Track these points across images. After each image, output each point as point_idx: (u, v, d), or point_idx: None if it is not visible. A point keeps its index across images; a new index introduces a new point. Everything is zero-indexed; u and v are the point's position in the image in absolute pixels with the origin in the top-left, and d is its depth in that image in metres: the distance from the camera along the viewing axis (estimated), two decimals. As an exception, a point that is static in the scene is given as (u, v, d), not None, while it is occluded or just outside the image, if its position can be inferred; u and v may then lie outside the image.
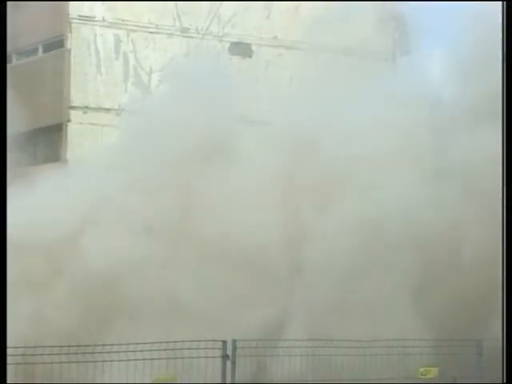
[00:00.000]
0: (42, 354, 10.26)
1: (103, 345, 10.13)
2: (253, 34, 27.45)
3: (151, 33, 27.78)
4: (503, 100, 11.11)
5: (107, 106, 26.56)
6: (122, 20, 27.54)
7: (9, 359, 9.52)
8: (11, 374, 11.50)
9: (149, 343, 10.14)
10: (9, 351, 9.87)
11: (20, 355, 10.82)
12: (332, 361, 11.76)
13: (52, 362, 10.41)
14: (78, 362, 10.69)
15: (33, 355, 10.47)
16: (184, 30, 26.91)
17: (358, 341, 11.74)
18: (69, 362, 10.68)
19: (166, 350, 9.94)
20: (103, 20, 27.74)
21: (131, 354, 9.96)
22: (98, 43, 27.83)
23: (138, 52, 27.93)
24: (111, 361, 10.08)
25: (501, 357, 11.95)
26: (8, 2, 29.06)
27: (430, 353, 12.35)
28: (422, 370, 11.81)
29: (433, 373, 11.85)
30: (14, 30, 29.37)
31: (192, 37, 27.02)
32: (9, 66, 29.83)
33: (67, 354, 10.36)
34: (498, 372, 12.47)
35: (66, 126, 26.47)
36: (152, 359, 10.08)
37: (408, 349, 11.93)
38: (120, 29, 27.70)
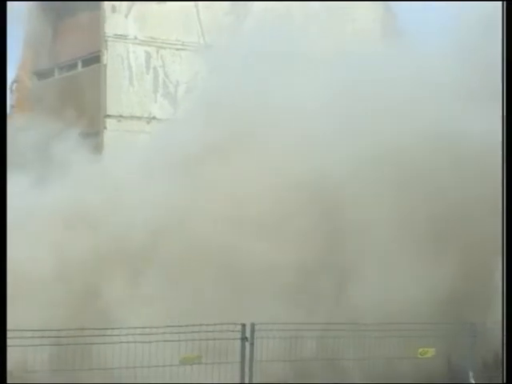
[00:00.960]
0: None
1: (129, 328, 10.00)
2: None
3: (178, 49, 27.78)
4: (503, 100, 9.96)
5: (139, 115, 26.56)
6: (152, 38, 27.61)
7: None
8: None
9: (173, 326, 10.04)
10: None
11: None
12: (340, 342, 11.64)
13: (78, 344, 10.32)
14: (104, 343, 10.55)
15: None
16: (208, 47, 26.81)
17: (362, 324, 11.61)
18: (100, 344, 10.56)
19: (192, 332, 9.89)
20: (135, 38, 27.81)
21: (160, 335, 9.89)
22: (131, 59, 27.88)
23: (166, 66, 27.95)
24: (141, 342, 9.97)
25: (492, 339, 11.74)
26: (49, 21, 29.36)
27: (426, 335, 12.17)
28: (420, 350, 11.67)
29: (431, 353, 11.71)
30: (56, 46, 29.63)
31: (215, 53, 26.92)
32: (51, 79, 30.16)
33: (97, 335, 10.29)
34: (489, 353, 12.28)
35: (103, 132, 26.52)
36: (175, 341, 9.99)
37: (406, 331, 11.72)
38: (150, 46, 27.75)
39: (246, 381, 9.39)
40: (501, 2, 12.26)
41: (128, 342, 10.32)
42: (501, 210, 10.68)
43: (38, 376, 11.51)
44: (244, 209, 14.26)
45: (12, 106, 30.46)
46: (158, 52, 27.70)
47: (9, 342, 9.40)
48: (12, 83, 30.59)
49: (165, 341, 10.00)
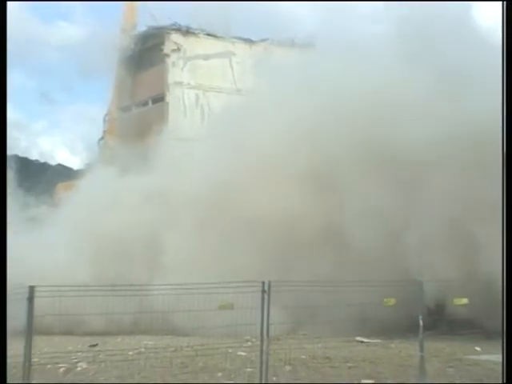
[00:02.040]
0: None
1: (185, 283, 9.70)
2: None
3: (218, 92, 27.75)
4: (503, 100, 7.24)
5: (190, 137, 26.54)
6: (200, 84, 27.70)
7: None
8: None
9: (213, 282, 9.82)
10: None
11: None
12: (332, 294, 11.32)
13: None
14: (161, 294, 10.22)
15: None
16: (238, 90, 26.74)
17: (348, 281, 11.20)
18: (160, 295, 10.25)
19: (227, 287, 9.75)
20: (188, 84, 27.92)
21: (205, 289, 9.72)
22: (185, 99, 27.98)
23: (210, 104, 27.92)
24: (190, 294, 9.79)
25: (434, 293, 11.32)
26: (130, 72, 29.50)
27: (389, 289, 11.76)
28: (385, 300, 11.16)
29: (392, 302, 11.19)
30: (134, 89, 29.81)
31: (243, 95, 26.85)
32: (130, 113, 30.29)
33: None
34: (432, 302, 11.89)
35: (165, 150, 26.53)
36: (215, 293, 9.80)
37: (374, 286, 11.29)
38: (198, 90, 27.84)
39: (265, 321, 9.21)
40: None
41: (182, 294, 10.15)
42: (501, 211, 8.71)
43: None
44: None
45: (104, 131, 30.69)
46: (204, 94, 27.75)
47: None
48: (105, 115, 30.81)
49: (209, 293, 9.87)
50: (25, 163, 25.32)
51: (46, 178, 28.87)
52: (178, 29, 28.32)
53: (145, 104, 29.72)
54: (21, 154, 28.40)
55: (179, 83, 28.03)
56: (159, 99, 28.66)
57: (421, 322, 9.63)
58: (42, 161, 40.36)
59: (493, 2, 11.36)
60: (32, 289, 7.08)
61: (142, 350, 10.73)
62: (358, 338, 12.82)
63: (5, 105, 7.91)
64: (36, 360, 7.40)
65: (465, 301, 10.29)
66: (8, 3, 9.07)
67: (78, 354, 10.82)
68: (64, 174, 31.15)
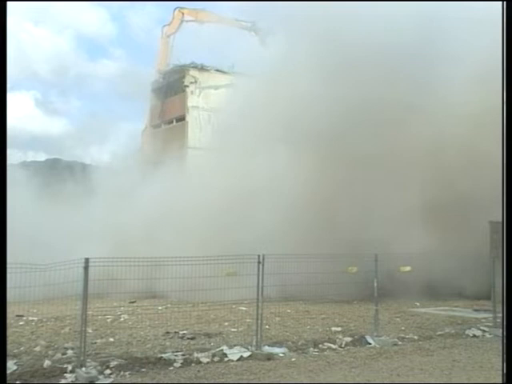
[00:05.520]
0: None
1: (194, 256, 9.23)
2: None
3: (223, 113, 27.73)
4: (503, 100, 5.55)
5: (204, 147, 26.34)
6: (211, 107, 27.56)
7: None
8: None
9: (223, 255, 9.55)
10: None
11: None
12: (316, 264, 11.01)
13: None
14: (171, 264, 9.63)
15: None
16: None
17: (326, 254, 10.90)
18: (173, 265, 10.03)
19: (232, 259, 9.60)
20: (202, 107, 27.81)
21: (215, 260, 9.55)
22: (200, 118, 27.81)
23: (218, 122, 27.81)
24: (205, 264, 9.59)
25: (387, 264, 11.07)
26: (159, 98, 29.32)
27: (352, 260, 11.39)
28: (349, 268, 10.86)
29: (355, 270, 10.88)
30: (162, 111, 29.70)
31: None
32: (160, 129, 30.15)
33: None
34: (386, 271, 11.64)
35: (186, 157, 26.39)
36: (219, 263, 9.48)
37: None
38: (210, 111, 27.64)
39: (260, 285, 9.06)
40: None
41: (199, 264, 9.89)
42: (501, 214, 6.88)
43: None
44: None
45: (142, 142, 30.68)
46: (214, 114, 27.61)
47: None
48: (142, 130, 30.77)
49: (219, 263, 9.67)
50: (81, 166, 25.27)
51: (97, 176, 28.68)
52: (195, 66, 28.13)
53: (171, 122, 29.57)
54: (78, 160, 28.34)
55: (196, 107, 27.90)
56: (181, 119, 28.51)
57: (375, 284, 9.56)
58: (94, 164, 40.25)
59: (493, 2, 8.82)
60: (87, 260, 7.01)
61: (169, 305, 10.62)
62: (329, 297, 12.69)
63: (5, 105, 5.82)
64: (90, 313, 7.32)
65: (408, 268, 10.21)
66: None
67: (121, 308, 10.75)
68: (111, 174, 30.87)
